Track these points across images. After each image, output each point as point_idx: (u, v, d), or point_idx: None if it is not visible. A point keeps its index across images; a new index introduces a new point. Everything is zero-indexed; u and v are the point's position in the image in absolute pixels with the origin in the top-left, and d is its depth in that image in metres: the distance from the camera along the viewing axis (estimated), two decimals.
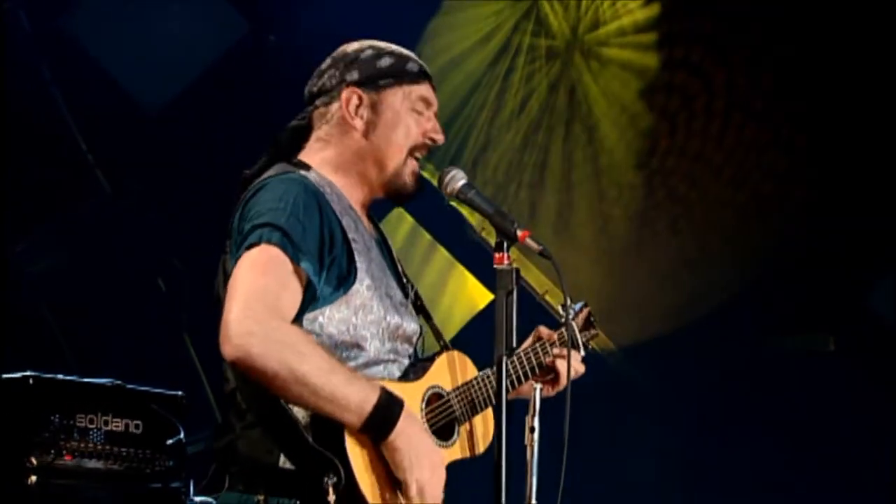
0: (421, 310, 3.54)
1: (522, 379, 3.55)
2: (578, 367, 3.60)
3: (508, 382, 3.45)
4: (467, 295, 6.87)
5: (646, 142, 6.81)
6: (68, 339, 6.01)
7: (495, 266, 3.21)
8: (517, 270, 3.20)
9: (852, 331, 6.43)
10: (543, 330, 3.63)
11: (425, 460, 3.23)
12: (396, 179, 3.42)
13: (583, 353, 3.69)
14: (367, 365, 3.29)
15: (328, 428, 3.17)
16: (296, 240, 3.17)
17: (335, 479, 3.14)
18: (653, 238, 6.80)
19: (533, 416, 3.26)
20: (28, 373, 4.71)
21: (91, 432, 4.74)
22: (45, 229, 6.29)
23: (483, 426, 3.48)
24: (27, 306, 6.08)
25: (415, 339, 3.43)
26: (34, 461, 4.66)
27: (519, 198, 6.87)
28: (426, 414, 3.37)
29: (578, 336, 3.68)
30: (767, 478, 6.43)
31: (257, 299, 3.10)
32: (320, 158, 3.41)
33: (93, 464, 4.76)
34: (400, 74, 3.41)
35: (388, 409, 3.18)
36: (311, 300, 3.21)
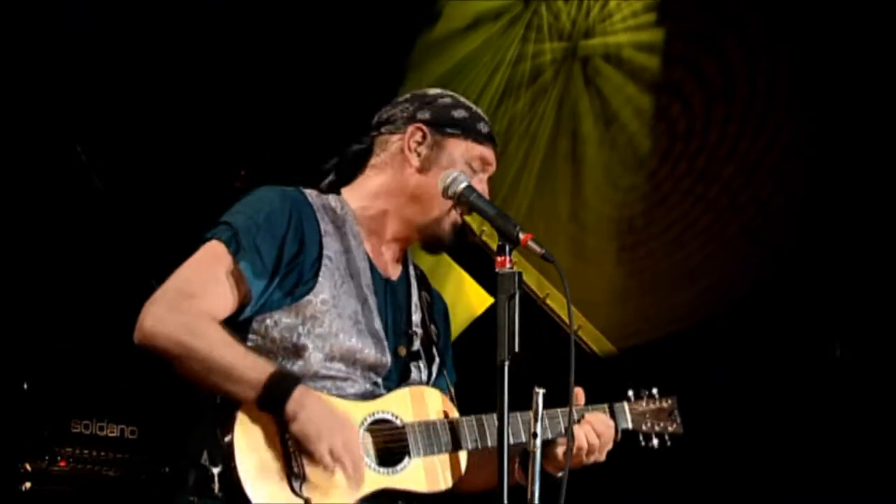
0: (427, 361, 3.50)
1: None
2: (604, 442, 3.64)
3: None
4: (465, 299, 6.84)
5: (648, 143, 6.79)
6: (61, 344, 5.96)
7: (497, 270, 3.17)
8: (519, 274, 3.16)
9: (858, 335, 6.40)
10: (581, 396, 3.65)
11: (329, 425, 3.18)
12: (435, 226, 3.47)
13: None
14: (312, 378, 3.27)
15: (226, 416, 3.16)
16: (244, 241, 3.24)
17: (220, 467, 3.13)
18: (653, 242, 6.77)
19: (536, 422, 3.22)
20: (22, 378, 4.68)
21: (86, 438, 4.72)
22: (37, 229, 6.25)
23: (454, 466, 3.40)
24: (20, 309, 6.03)
25: (381, 371, 3.39)
26: (28, 467, 4.63)
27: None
28: (368, 432, 3.30)
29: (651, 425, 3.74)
30: (770, 481, 6.40)
31: (176, 287, 3.21)
32: (367, 185, 3.49)
33: (87, 469, 4.73)
34: (469, 130, 3.49)
35: (283, 381, 3.17)
36: (251, 301, 3.25)
